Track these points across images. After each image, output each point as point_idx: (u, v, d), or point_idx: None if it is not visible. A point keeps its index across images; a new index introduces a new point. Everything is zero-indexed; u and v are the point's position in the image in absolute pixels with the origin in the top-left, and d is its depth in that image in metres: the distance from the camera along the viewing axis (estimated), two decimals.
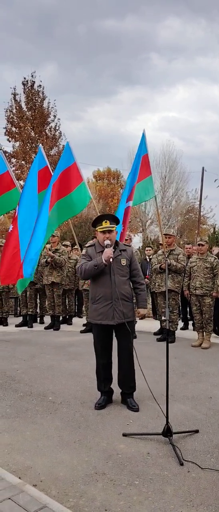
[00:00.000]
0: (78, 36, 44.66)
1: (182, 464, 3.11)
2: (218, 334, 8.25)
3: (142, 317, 4.34)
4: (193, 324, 7.97)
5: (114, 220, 4.36)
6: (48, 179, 8.84)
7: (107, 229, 4.23)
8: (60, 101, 49.58)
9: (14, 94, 23.49)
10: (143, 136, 7.55)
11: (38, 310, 10.09)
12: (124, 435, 3.60)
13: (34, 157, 21.83)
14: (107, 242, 4.18)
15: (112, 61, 49.25)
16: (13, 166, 22.65)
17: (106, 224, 4.23)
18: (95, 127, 48.48)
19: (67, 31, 43.69)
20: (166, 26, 46.39)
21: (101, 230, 4.24)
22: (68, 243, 10.57)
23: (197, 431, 3.69)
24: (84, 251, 4.49)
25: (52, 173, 9.22)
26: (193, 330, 7.85)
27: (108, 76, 49.70)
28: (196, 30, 46.78)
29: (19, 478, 2.86)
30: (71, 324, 9.64)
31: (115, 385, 4.41)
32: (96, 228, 4.34)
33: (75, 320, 10.06)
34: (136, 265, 4.46)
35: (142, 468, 3.07)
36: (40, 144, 9.57)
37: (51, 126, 24.06)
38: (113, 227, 4.28)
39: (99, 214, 4.70)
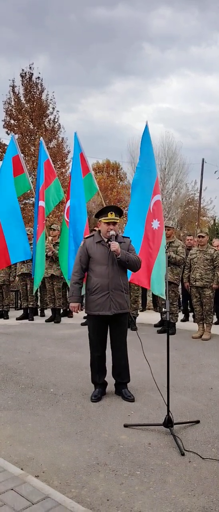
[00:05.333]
0: (70, 26, 44.17)
1: (183, 454, 3.13)
2: None
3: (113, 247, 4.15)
4: (194, 316, 7.99)
5: (119, 212, 4.37)
6: (51, 173, 8.92)
7: (112, 220, 4.24)
8: (50, 93, 49.17)
9: (13, 87, 23.36)
10: (147, 128, 7.45)
11: (38, 303, 10.11)
12: (126, 426, 3.62)
13: (33, 149, 21.85)
14: (112, 232, 4.20)
15: (104, 51, 48.77)
16: None
17: (111, 216, 4.24)
18: (90, 118, 48.18)
19: (58, 21, 43.20)
20: (159, 15, 46.02)
21: (106, 221, 4.25)
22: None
23: (198, 422, 3.72)
24: (82, 242, 4.50)
25: (53, 166, 9.31)
26: (194, 321, 7.87)
27: (101, 67, 49.24)
28: (188, 19, 46.42)
29: (21, 469, 2.88)
30: (71, 316, 9.65)
31: (109, 377, 4.44)
32: (100, 219, 4.34)
33: (75, 312, 10.05)
34: (132, 251, 4.45)
35: (143, 459, 3.10)
36: (41, 138, 9.57)
37: (50, 119, 23.97)
38: (117, 219, 4.30)
39: (105, 206, 4.71)
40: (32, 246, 8.70)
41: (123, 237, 4.55)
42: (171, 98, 50.13)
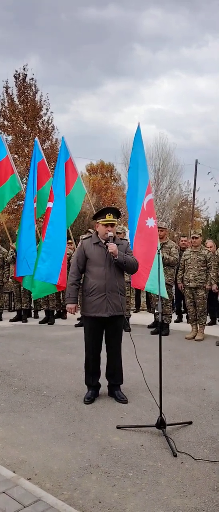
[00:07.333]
0: (61, 26, 44.04)
1: (175, 456, 3.14)
2: None
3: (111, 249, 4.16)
4: (187, 317, 8.01)
5: (117, 214, 4.37)
6: (46, 173, 8.92)
7: (110, 222, 4.24)
8: (44, 94, 49.05)
9: (6, 88, 23.30)
10: (139, 129, 7.49)
11: (32, 305, 10.07)
12: (118, 427, 3.62)
13: (27, 151, 21.78)
14: (110, 234, 4.20)
15: (95, 51, 48.73)
16: None
17: (109, 218, 4.23)
18: (81, 119, 48.21)
19: (49, 21, 43.03)
20: (149, 16, 46.18)
21: (104, 222, 4.24)
22: None
23: (190, 423, 3.73)
24: (79, 243, 4.50)
25: (48, 167, 9.27)
26: (187, 322, 7.89)
27: (92, 67, 49.23)
28: (179, 20, 46.55)
29: (14, 472, 2.87)
30: (65, 318, 9.63)
31: (103, 379, 4.44)
32: (98, 220, 4.33)
33: (69, 314, 10.04)
34: (130, 254, 4.46)
35: (136, 460, 3.10)
36: (36, 137, 9.55)
37: (44, 120, 23.94)
38: (115, 220, 4.30)
39: (103, 207, 4.71)
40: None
41: (121, 239, 4.56)
42: (163, 99, 50.39)
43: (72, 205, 8.38)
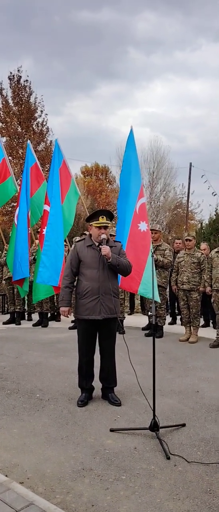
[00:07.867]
0: (55, 28, 44.07)
1: (168, 458, 3.13)
2: (214, 327, 8.30)
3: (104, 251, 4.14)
4: (181, 319, 8.02)
5: (110, 216, 4.37)
6: (39, 176, 8.91)
7: (103, 224, 4.23)
8: (39, 96, 49.10)
9: (1, 89, 23.30)
10: (132, 132, 7.51)
11: (26, 307, 10.03)
12: (112, 430, 3.62)
13: (21, 152, 21.73)
14: (103, 236, 4.19)
15: (89, 54, 48.81)
16: None
17: (103, 220, 4.22)
18: (76, 121, 48.23)
19: (43, 24, 43.06)
20: (143, 19, 46.39)
21: (97, 225, 4.23)
22: None
23: (184, 425, 3.73)
24: (73, 246, 4.49)
25: (41, 170, 9.26)
26: (181, 324, 7.90)
27: (86, 70, 49.36)
28: (172, 24, 46.67)
29: (6, 475, 2.85)
30: (59, 320, 9.60)
31: (96, 381, 4.43)
32: (91, 223, 4.31)
33: (63, 316, 10.00)
34: (123, 256, 4.45)
35: (129, 463, 3.09)
36: (29, 141, 9.54)
37: (38, 122, 23.95)
38: (109, 223, 4.29)
39: (96, 210, 4.70)
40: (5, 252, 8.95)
41: (115, 241, 4.54)
42: (157, 102, 50.49)
43: (69, 209, 8.39)
